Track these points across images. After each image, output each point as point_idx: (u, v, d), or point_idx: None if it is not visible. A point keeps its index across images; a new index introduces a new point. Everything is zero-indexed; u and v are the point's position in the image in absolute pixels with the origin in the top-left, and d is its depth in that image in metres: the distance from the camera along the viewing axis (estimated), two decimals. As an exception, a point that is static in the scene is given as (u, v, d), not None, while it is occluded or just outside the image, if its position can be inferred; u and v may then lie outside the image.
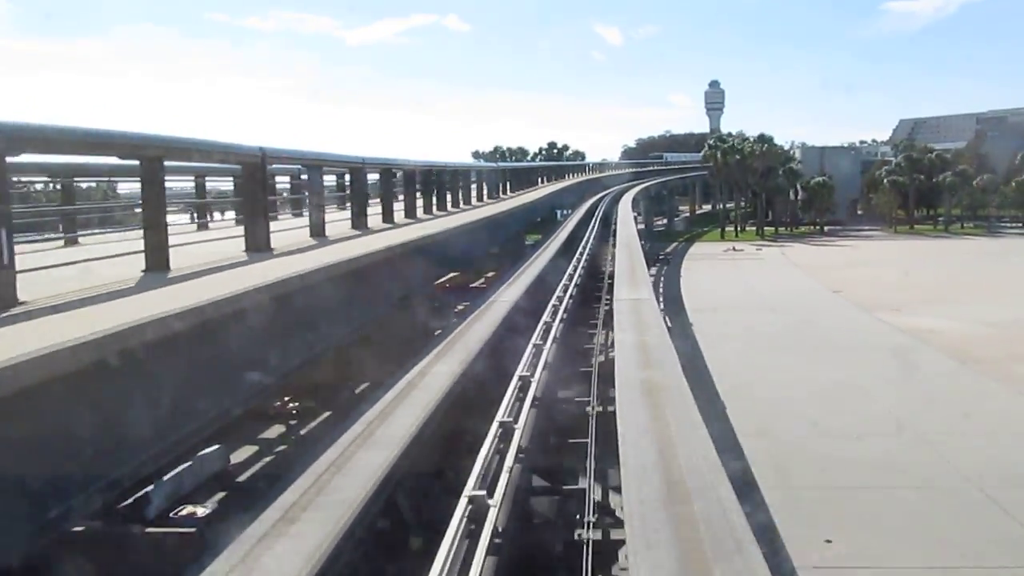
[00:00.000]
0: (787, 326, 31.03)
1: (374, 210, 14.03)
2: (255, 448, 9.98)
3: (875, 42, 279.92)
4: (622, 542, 4.69)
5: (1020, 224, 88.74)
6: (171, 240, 7.34)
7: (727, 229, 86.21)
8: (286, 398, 10.72)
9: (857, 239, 79.60)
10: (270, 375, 6.53)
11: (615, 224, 27.02)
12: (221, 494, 8.43)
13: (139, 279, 6.39)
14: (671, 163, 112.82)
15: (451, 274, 18.52)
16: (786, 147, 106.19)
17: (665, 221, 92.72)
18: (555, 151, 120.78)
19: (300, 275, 7.21)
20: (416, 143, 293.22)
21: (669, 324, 30.24)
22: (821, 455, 16.15)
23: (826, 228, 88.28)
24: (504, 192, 30.90)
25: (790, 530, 11.91)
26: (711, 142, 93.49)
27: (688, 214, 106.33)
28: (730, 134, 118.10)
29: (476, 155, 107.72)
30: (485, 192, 27.46)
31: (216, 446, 9.34)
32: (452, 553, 3.59)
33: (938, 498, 13.94)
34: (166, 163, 7.16)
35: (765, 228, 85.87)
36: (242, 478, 9.63)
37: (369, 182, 15.00)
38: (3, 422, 3.67)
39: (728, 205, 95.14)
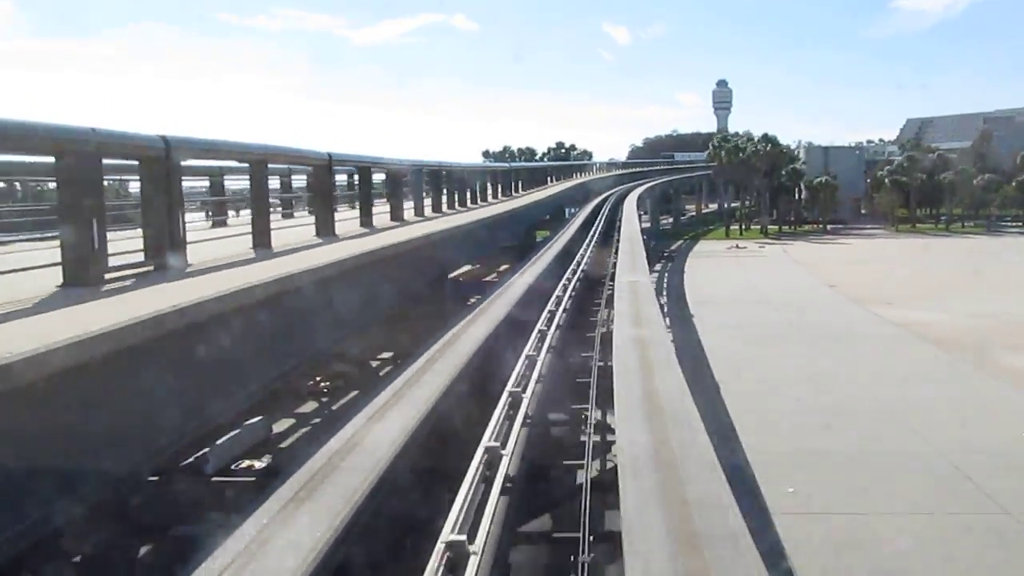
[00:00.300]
0: (782, 318, 32.87)
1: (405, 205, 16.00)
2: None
3: (885, 41, 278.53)
4: (612, 442, 6.54)
5: (1021, 223, 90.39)
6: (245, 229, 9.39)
7: (732, 228, 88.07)
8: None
9: (858, 237, 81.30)
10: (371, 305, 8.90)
11: (620, 221, 28.91)
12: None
13: (253, 255, 8.34)
14: (677, 163, 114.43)
15: (470, 265, 20.50)
16: (793, 146, 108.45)
17: (671, 220, 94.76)
18: (562, 151, 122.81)
19: (373, 250, 9.31)
20: (425, 143, 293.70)
21: (668, 314, 32.22)
22: (799, 424, 18.07)
23: (829, 227, 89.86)
24: (517, 190, 32.85)
25: (764, 482, 13.85)
26: (715, 142, 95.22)
27: (695, 213, 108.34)
28: (736, 133, 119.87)
29: (486, 155, 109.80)
30: (500, 190, 29.38)
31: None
32: (500, 420, 5.52)
33: (900, 460, 15.77)
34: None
35: (769, 226, 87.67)
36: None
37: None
38: (238, 324, 5.74)
39: (733, 204, 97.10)
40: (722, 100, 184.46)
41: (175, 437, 5.36)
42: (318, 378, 13.68)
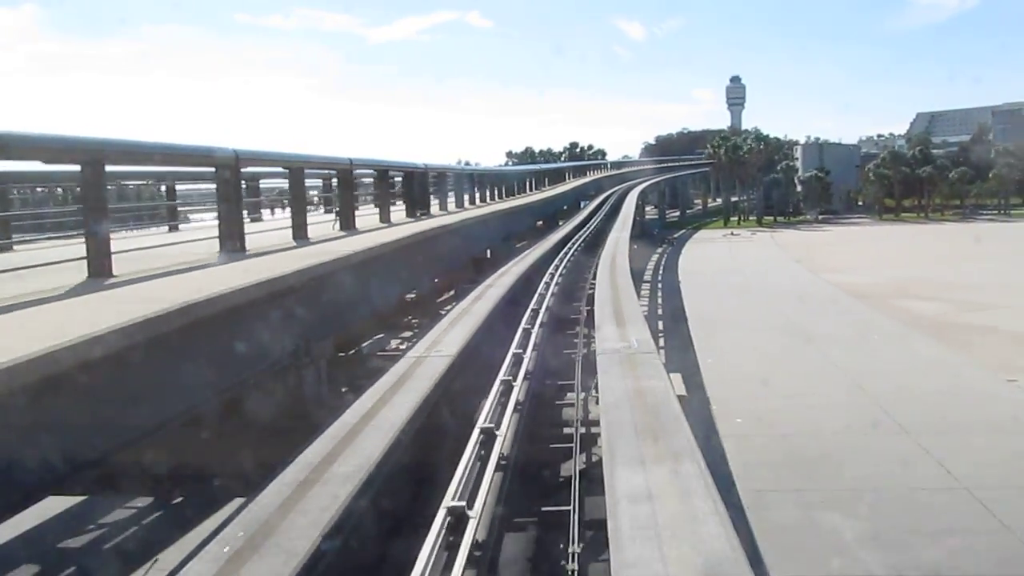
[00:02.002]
0: (749, 281, 42.94)
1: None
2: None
3: (900, 35, 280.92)
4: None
5: (995, 211, 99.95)
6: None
7: (732, 219, 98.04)
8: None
9: (843, 226, 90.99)
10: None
11: (622, 207, 39.17)
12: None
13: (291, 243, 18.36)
14: (680, 160, 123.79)
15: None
16: (802, 142, 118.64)
17: (678, 213, 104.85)
18: (577, 150, 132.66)
19: (418, 232, 19.42)
20: (447, 141, 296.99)
21: (662, 280, 42.16)
22: (734, 328, 28.12)
23: (820, 217, 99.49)
24: (545, 186, 43.16)
25: (699, 350, 23.95)
26: (715, 142, 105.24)
27: (701, 206, 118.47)
28: (746, 131, 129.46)
29: (510, 155, 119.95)
30: (535, 185, 39.68)
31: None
32: (532, 315, 15.68)
33: (792, 349, 25.65)
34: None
35: (765, 217, 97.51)
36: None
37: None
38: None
39: (735, 199, 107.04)
40: (736, 96, 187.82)
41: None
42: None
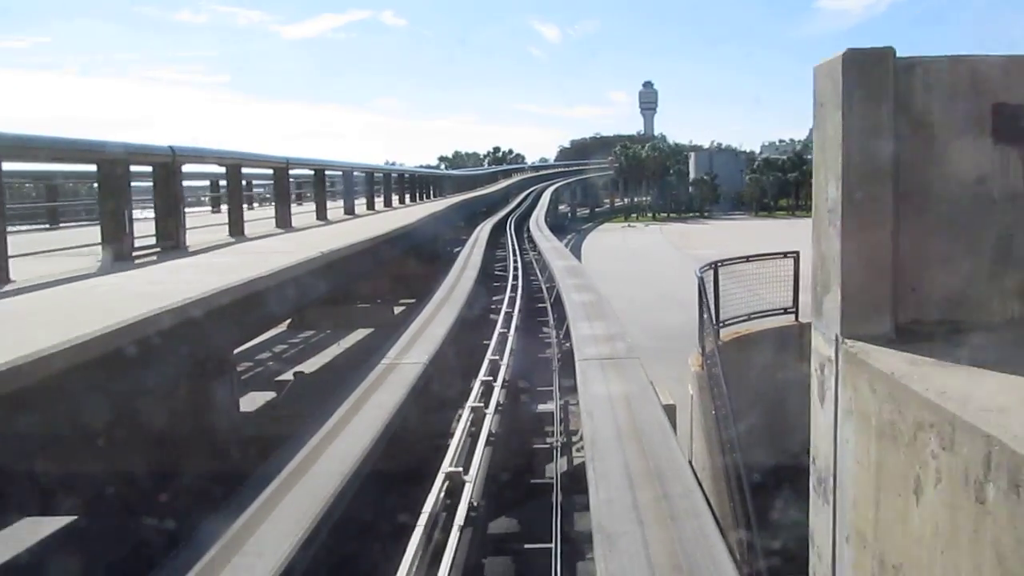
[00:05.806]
0: (630, 253, 59.84)
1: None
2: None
3: (807, 41, 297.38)
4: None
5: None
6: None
7: (633, 215, 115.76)
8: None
9: (723, 221, 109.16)
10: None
11: (540, 199, 55.82)
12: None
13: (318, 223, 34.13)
14: (593, 163, 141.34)
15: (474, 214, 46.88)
16: (705, 147, 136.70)
17: (588, 210, 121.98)
18: (500, 154, 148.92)
19: (434, 210, 35.46)
20: (363, 142, 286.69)
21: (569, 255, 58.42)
22: (606, 265, 44.72)
23: (706, 213, 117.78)
24: (483, 186, 59.32)
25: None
26: (616, 149, 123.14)
27: (609, 204, 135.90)
28: (653, 136, 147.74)
29: (442, 159, 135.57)
30: (477, 184, 55.79)
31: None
32: (508, 233, 31.86)
33: (638, 278, 42.27)
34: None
35: (660, 213, 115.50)
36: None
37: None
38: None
39: (640, 197, 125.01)
40: (648, 101, 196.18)
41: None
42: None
